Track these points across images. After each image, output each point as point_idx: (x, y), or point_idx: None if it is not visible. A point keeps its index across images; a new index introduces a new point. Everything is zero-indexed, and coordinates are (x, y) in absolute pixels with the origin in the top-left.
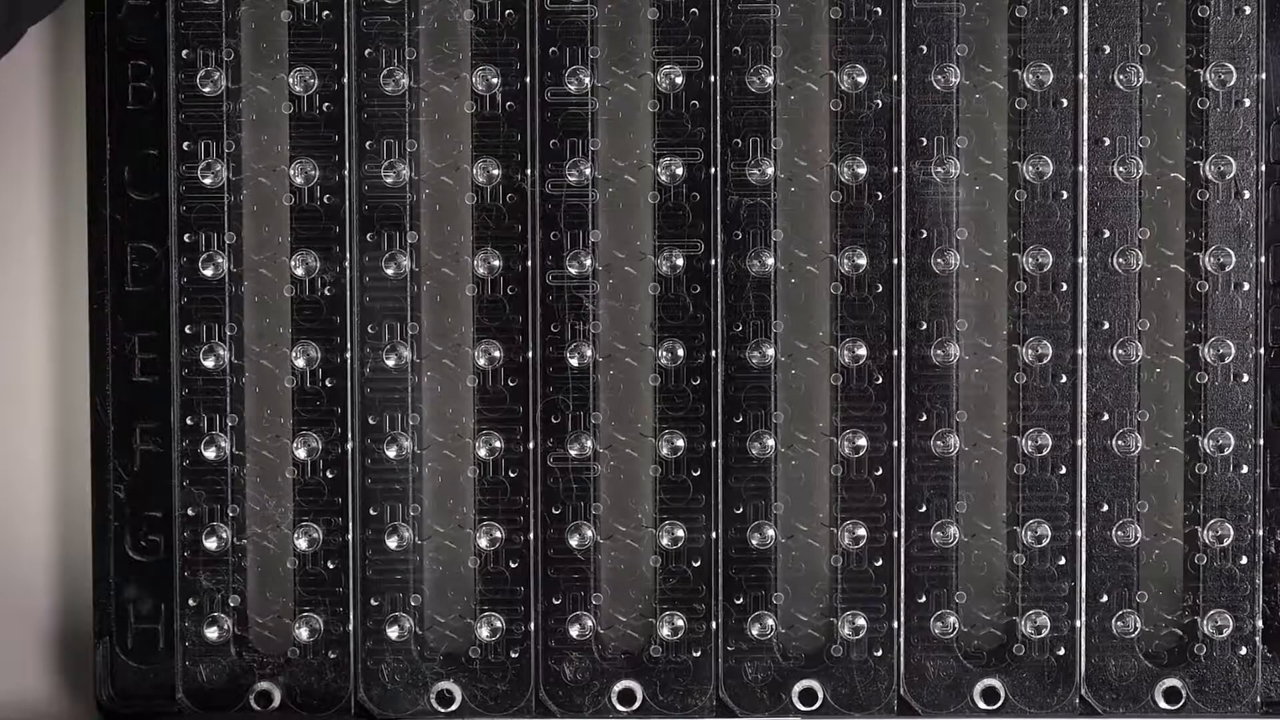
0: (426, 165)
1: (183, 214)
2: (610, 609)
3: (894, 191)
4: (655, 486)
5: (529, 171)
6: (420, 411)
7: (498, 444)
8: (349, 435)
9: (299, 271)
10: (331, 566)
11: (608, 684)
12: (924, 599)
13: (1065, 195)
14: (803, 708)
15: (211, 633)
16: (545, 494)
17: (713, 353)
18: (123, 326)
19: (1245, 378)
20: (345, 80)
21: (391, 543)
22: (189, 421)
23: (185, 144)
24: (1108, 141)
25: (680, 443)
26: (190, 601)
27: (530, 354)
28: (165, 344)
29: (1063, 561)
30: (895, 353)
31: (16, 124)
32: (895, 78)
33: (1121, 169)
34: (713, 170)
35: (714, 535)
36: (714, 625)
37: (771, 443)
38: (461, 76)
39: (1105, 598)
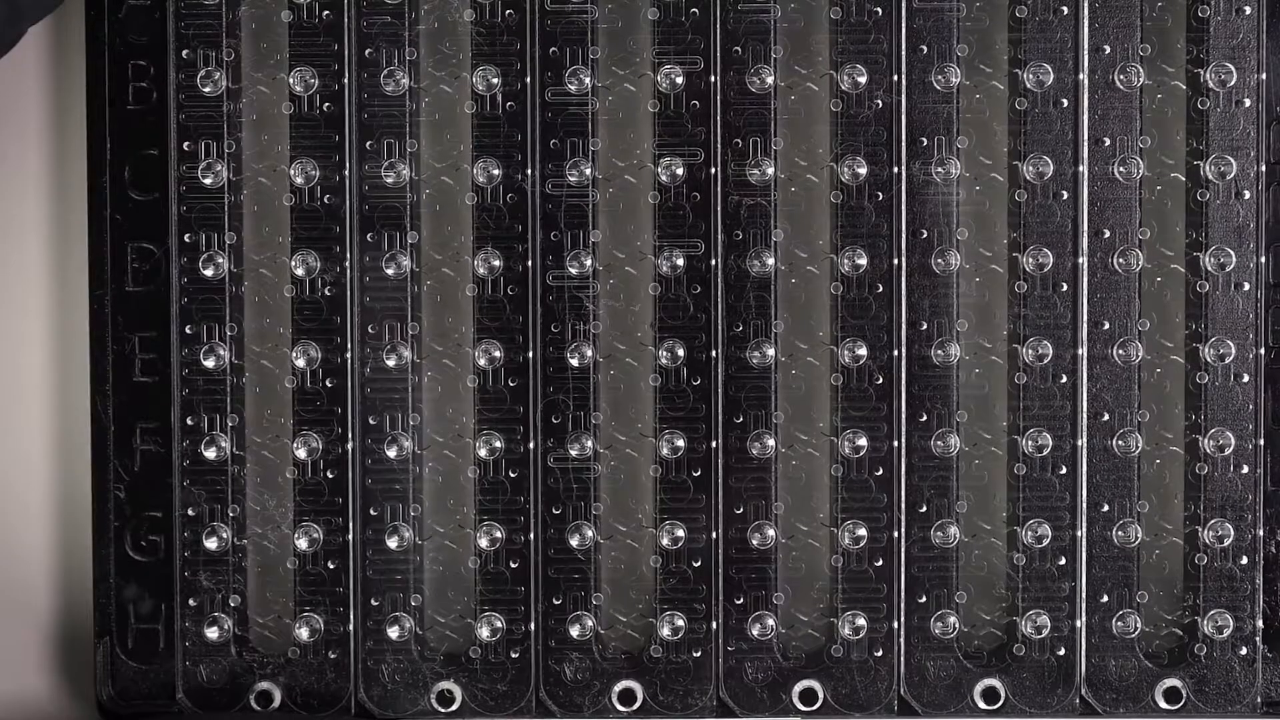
0: (427, 165)
1: (183, 214)
2: (610, 609)
3: (894, 191)
4: (655, 486)
5: (529, 171)
6: (420, 411)
7: (498, 444)
8: (349, 435)
9: (299, 271)
10: (332, 566)
11: (608, 684)
12: (924, 599)
13: (1065, 195)
14: (803, 708)
15: (212, 633)
16: (545, 494)
17: (713, 353)
18: (123, 326)
19: (1245, 378)
20: (345, 80)
21: (391, 543)
22: (189, 421)
23: (185, 144)
24: (1108, 141)
25: (680, 443)
26: (190, 601)
27: (530, 354)
28: (165, 344)
29: (1063, 561)
30: (895, 353)
31: (16, 124)
32: (895, 78)
33: (1122, 169)
34: (713, 170)
35: (714, 535)
36: (714, 625)
37: (772, 443)
38: (461, 76)
39: (1105, 598)
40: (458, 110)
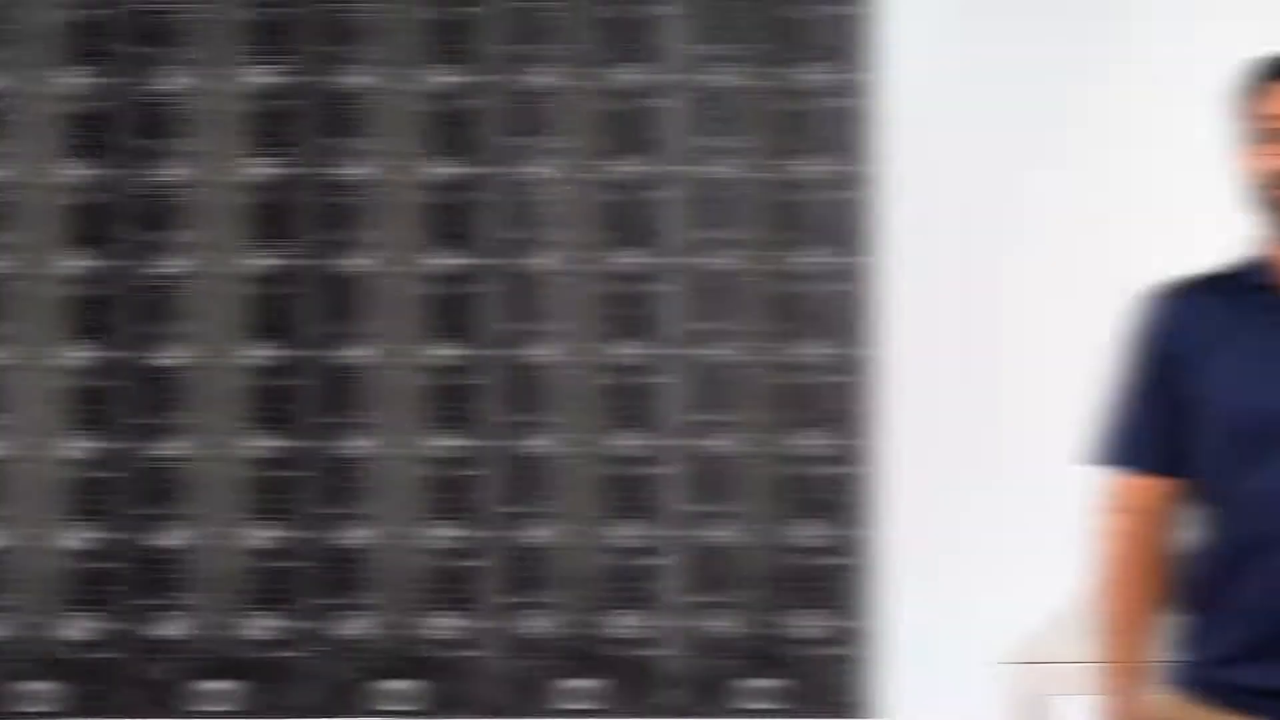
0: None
1: None
2: (202, 609)
3: (486, 191)
4: (241, 487)
5: (119, 171)
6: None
7: (87, 444)
8: None
9: None
10: None
11: (197, 683)
12: (513, 599)
13: (661, 195)
14: (391, 709)
15: None
16: (137, 494)
17: (303, 353)
18: None
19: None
20: None
21: None
22: None
23: None
24: (705, 141)
25: (271, 443)
26: None
27: (116, 354)
28: None
29: (654, 562)
30: (488, 353)
31: None
32: (489, 78)
33: (718, 168)
34: (300, 171)
35: (306, 535)
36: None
37: (364, 443)
38: (45, 77)
39: (697, 598)
40: (44, 110)
